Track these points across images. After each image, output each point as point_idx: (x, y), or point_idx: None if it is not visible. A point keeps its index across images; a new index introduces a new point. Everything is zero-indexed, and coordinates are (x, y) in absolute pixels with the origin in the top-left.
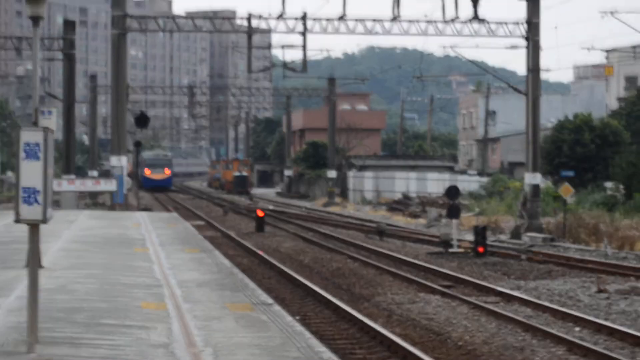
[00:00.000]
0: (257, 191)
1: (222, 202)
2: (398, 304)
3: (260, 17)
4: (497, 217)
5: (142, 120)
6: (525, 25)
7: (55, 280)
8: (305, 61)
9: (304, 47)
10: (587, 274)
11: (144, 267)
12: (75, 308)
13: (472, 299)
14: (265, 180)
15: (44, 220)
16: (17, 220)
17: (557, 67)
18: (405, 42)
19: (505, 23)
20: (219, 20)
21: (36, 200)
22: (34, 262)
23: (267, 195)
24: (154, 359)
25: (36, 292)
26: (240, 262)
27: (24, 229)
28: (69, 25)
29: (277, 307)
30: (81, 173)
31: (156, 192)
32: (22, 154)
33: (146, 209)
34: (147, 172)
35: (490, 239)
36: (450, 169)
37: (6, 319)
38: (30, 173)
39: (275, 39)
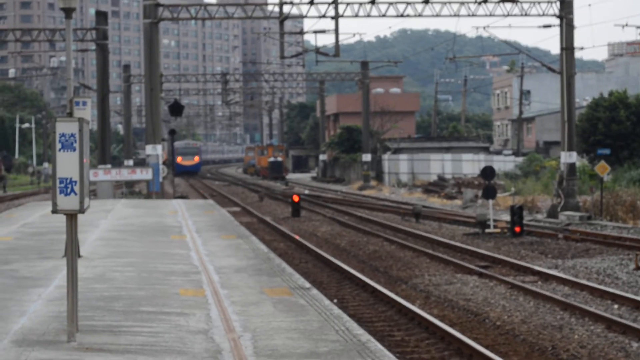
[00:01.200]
0: (292, 176)
1: (258, 188)
2: (435, 285)
3: (291, 2)
4: (533, 196)
5: (176, 108)
6: (558, 4)
7: (94, 269)
8: (337, 45)
9: (336, 31)
10: (624, 251)
11: (181, 255)
12: (114, 296)
13: (509, 279)
14: (300, 165)
15: (81, 210)
16: (55, 211)
17: (591, 45)
18: (437, 24)
19: (538, 2)
20: (251, 7)
21: (73, 191)
22: (72, 251)
23: (302, 180)
24: (193, 345)
25: (75, 282)
26: (277, 247)
27: (61, 219)
28: (101, 16)
29: (315, 291)
30: (117, 162)
31: (188, 176)
32: (58, 145)
33: (182, 196)
34: (179, 159)
35: (527, 218)
36: (485, 150)
37: (46, 309)
38: (67, 163)
39: (307, 24)
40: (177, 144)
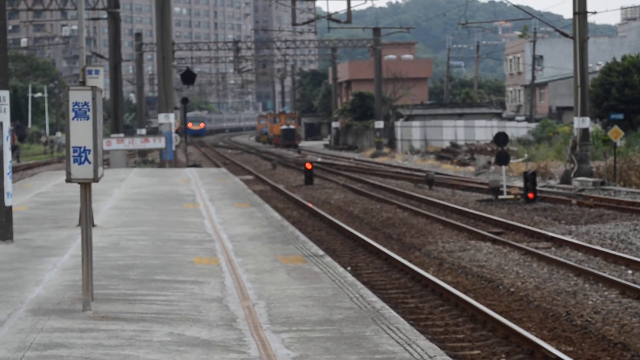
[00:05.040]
0: (304, 144)
1: (271, 156)
2: (449, 252)
3: None
4: (546, 162)
5: (188, 76)
6: None
7: (108, 238)
8: (349, 12)
9: None
10: (638, 216)
11: (195, 223)
12: (129, 265)
13: (523, 245)
14: (313, 132)
15: (95, 179)
16: (69, 180)
17: (604, 9)
18: None
19: None
20: None
21: (87, 159)
22: (86, 220)
23: (314, 147)
24: (208, 313)
25: (90, 251)
26: (290, 214)
27: (74, 188)
28: None
29: (329, 259)
30: (130, 131)
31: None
32: (71, 114)
33: (195, 165)
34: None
35: (540, 184)
36: (498, 116)
37: (62, 278)
38: (80, 132)
39: None
40: (187, 114)
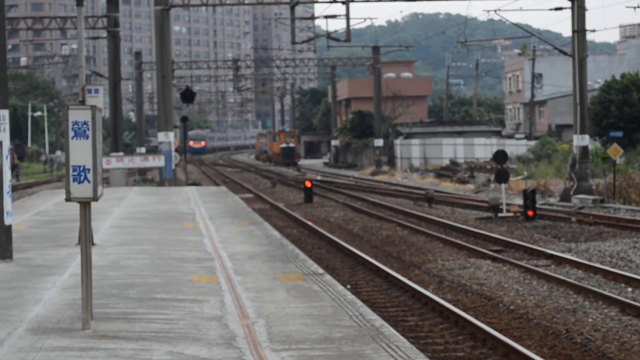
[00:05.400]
0: (304, 162)
1: (270, 174)
2: (449, 270)
3: None
4: (545, 180)
5: (187, 95)
6: None
7: (108, 257)
8: (348, 30)
9: (347, 16)
10: (638, 234)
11: (194, 241)
12: (128, 284)
13: (522, 263)
14: (312, 151)
15: (95, 198)
16: (68, 199)
17: (603, 27)
18: (448, 8)
19: None
20: None
21: (86, 178)
22: (86, 239)
23: (314, 166)
24: (207, 332)
25: (89, 269)
26: (289, 233)
27: (74, 207)
28: (112, 3)
29: (328, 277)
30: (129, 150)
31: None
32: (70, 133)
33: (195, 183)
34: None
35: (540, 202)
36: (498, 134)
37: (61, 297)
38: (80, 151)
39: (318, 9)
40: (189, 132)
